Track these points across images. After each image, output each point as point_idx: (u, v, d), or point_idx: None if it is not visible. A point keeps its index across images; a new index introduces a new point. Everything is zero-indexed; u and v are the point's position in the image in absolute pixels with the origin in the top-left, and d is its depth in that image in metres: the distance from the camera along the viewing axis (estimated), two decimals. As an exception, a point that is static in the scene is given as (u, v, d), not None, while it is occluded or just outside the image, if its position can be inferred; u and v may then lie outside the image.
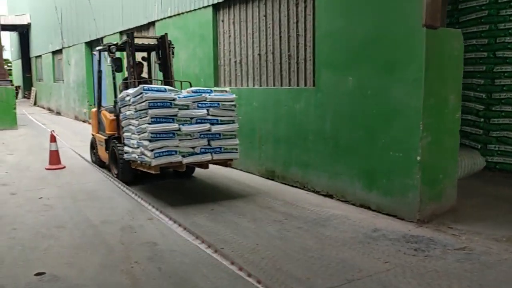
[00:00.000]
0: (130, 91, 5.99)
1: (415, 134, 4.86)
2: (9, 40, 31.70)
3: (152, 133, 5.38)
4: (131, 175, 6.70)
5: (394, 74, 5.06)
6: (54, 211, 5.58)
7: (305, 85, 6.59)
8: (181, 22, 9.44)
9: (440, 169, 5.12)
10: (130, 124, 6.03)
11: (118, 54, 7.53)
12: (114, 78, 7.40)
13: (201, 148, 5.69)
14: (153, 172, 5.62)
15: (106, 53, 7.56)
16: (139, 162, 5.91)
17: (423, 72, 4.75)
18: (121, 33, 13.11)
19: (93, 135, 8.42)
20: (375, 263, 3.90)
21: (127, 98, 6.03)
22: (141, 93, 5.54)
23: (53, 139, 8.43)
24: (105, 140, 7.46)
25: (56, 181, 7.29)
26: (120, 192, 6.46)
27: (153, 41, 7.73)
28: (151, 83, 7.35)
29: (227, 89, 6.13)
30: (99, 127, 7.97)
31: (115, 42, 7.30)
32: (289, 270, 3.77)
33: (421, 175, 4.86)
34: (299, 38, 6.65)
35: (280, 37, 6.98)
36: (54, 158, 8.33)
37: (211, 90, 5.98)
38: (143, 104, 5.49)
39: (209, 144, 5.74)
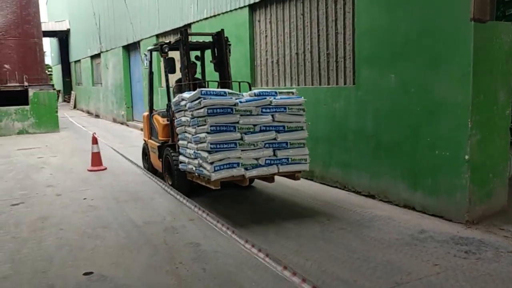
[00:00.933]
0: (186, 95, 5.40)
1: (463, 132, 4.68)
2: (49, 45, 32.86)
3: (211, 144, 4.81)
4: (187, 186, 6.07)
5: (439, 70, 4.89)
6: (98, 212, 5.70)
7: (345, 83, 6.48)
8: (217, 23, 9.48)
9: (490, 168, 4.92)
10: (185, 132, 5.50)
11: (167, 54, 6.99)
12: (167, 80, 6.71)
13: (266, 160, 5.04)
14: (212, 187, 5.02)
15: (147, 54, 7.30)
16: (196, 174, 5.35)
17: (471, 67, 4.57)
18: (157, 36, 13.32)
19: (145, 141, 7.91)
20: (424, 266, 3.78)
21: (183, 103, 5.46)
22: (199, 98, 4.95)
23: (94, 141, 8.63)
24: (158, 147, 6.90)
25: (99, 182, 7.45)
26: (161, 192, 6.54)
27: (207, 39, 7.11)
28: (206, 85, 6.70)
29: (294, 90, 5.39)
30: (151, 132, 7.44)
31: (167, 41, 6.74)
32: (335, 272, 3.70)
33: (469, 174, 4.68)
34: (338, 36, 6.54)
35: (319, 35, 6.89)
36: (96, 159, 8.53)
37: (275, 93, 5.21)
38: (201, 110, 4.90)
39: (274, 155, 5.08)
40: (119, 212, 5.66)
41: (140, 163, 8.48)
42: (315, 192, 6.38)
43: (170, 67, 6.54)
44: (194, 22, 10.69)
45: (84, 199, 6.34)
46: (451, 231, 4.56)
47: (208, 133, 4.84)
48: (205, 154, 4.92)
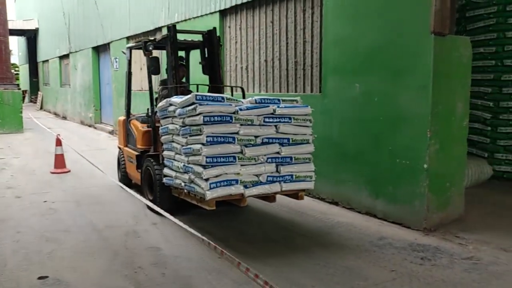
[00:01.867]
0: (176, 99, 4.71)
1: (422, 141, 4.82)
2: (17, 44, 31.97)
3: (207, 157, 4.17)
4: (171, 202, 5.31)
5: (401, 81, 5.03)
6: (58, 215, 5.57)
7: (311, 91, 6.57)
8: (188, 28, 9.46)
9: (448, 177, 5.07)
10: (173, 141, 4.82)
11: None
12: (150, 81, 5.95)
13: (268, 176, 4.44)
14: (206, 207, 4.35)
15: (126, 52, 6.61)
16: (185, 191, 4.68)
17: (431, 79, 4.72)
18: (128, 38, 13.17)
19: (120, 148, 7.11)
20: (381, 272, 3.86)
21: (171, 109, 4.78)
22: (194, 103, 4.28)
23: (58, 143, 8.45)
24: (137, 156, 6.17)
25: (61, 185, 7.29)
26: (125, 196, 6.45)
27: (196, 37, 6.48)
28: (197, 90, 5.90)
29: (298, 98, 4.80)
30: (128, 139, 6.70)
31: (152, 38, 6.00)
32: (294, 278, 3.73)
33: (428, 183, 4.81)
34: (306, 45, 6.64)
35: (287, 43, 6.98)
36: (60, 162, 8.34)
37: (279, 100, 4.60)
38: (196, 118, 4.24)
39: (277, 171, 4.49)
40: (80, 216, 5.55)
41: (106, 166, 8.33)
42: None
43: (154, 67, 5.75)
44: (164, 26, 10.63)
45: (45, 201, 6.19)
46: (409, 238, 4.67)
47: (203, 144, 4.19)
48: (199, 169, 4.25)
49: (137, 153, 6.19)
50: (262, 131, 4.41)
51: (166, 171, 5.02)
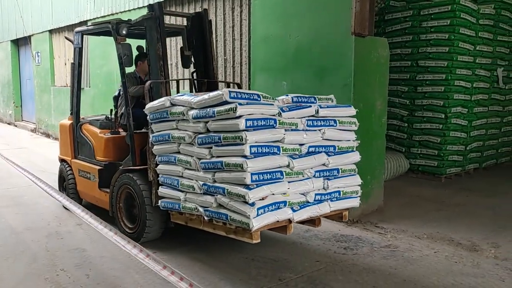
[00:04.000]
0: (186, 98, 3.66)
1: (345, 137, 5.04)
2: None
3: (254, 173, 3.23)
4: (161, 230, 4.37)
5: (325, 80, 5.24)
6: (-28, 219, 5.21)
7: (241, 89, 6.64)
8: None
9: (369, 171, 5.34)
10: (178, 152, 3.78)
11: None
12: (123, 74, 4.61)
13: (316, 194, 3.62)
14: (249, 240, 3.33)
15: (76, 38, 5.25)
16: (205, 219, 3.60)
17: (352, 78, 4.96)
18: (50, 31, 12.52)
19: (64, 161, 5.69)
20: (307, 262, 4.00)
21: (176, 110, 3.70)
22: (226, 103, 3.28)
23: (-28, 142, 7.85)
24: (101, 171, 4.90)
25: (-25, 186, 6.80)
26: (48, 196, 6.13)
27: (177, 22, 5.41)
28: (177, 88, 5.25)
29: (331, 96, 3.99)
30: (79, 149, 5.39)
31: (126, 19, 4.87)
32: (222, 272, 3.78)
33: (350, 176, 5.04)
34: (235, 42, 6.70)
35: (216, 40, 7.00)
36: (-26, 162, 7.77)
37: (315, 99, 3.81)
38: (235, 122, 3.23)
39: (323, 187, 3.70)
40: (-3, 219, 5.23)
41: (28, 166, 7.88)
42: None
43: (127, 56, 4.51)
44: (90, 20, 10.23)
45: (-44, 205, 5.76)
46: (333, 230, 4.89)
47: (245, 157, 3.24)
48: (239, 190, 3.24)
49: (100, 167, 4.91)
50: (307, 137, 3.58)
51: (164, 191, 3.94)
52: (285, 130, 3.44)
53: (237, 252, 4.21)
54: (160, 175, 4.00)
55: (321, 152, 3.66)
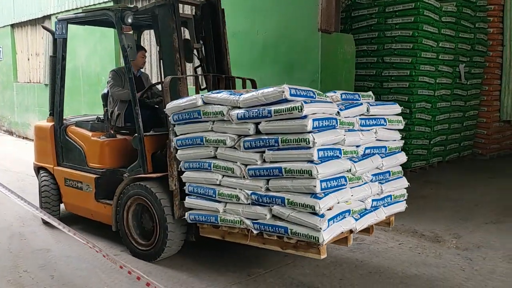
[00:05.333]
0: (230, 96, 3.21)
1: (312, 133, 5.10)
2: None
3: (323, 181, 2.93)
4: (180, 245, 3.91)
5: (294, 75, 5.29)
6: None
7: (209, 85, 6.62)
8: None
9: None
10: (214, 158, 3.35)
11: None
12: (129, 69, 4.02)
13: (373, 200, 3.37)
14: (316, 256, 3.06)
15: (59, 28, 4.58)
16: (253, 232, 3.21)
17: (319, 73, 5.03)
18: (12, 26, 12.12)
19: (42, 168, 4.94)
20: (275, 258, 4.03)
21: (216, 109, 3.27)
22: (286, 101, 2.94)
23: None
24: (97, 180, 4.35)
25: None
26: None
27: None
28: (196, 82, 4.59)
29: (370, 93, 3.67)
30: (64, 155, 4.73)
31: (131, 6, 4.36)
32: (192, 269, 3.77)
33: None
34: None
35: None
36: None
37: (359, 96, 3.52)
38: (296, 123, 2.92)
39: (377, 192, 3.46)
40: (-44, 220, 5.04)
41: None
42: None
43: (132, 49, 3.97)
44: (54, 14, 9.96)
45: None
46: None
47: (312, 162, 2.92)
48: (305, 199, 2.92)
49: (96, 176, 4.34)
50: (364, 138, 3.31)
51: (192, 202, 3.51)
52: (345, 131, 3.17)
53: (206, 249, 4.20)
54: (187, 184, 3.53)
55: (375, 154, 3.42)
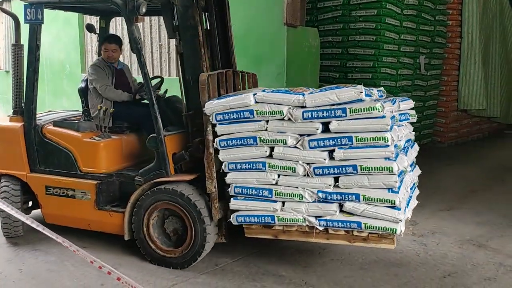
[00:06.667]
0: (290, 95, 3.20)
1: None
2: None
3: (398, 176, 3.13)
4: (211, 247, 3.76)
5: (261, 69, 5.38)
6: None
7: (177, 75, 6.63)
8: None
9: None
10: (269, 157, 3.32)
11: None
12: (144, 64, 3.69)
13: (410, 189, 3.58)
14: (390, 246, 3.27)
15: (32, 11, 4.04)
16: (319, 229, 3.30)
17: (285, 67, 5.16)
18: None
19: (7, 176, 4.25)
20: (243, 248, 4.16)
21: (273, 109, 3.22)
22: (360, 100, 3.02)
23: None
24: (99, 186, 3.92)
25: None
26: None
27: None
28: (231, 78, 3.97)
29: (382, 88, 3.58)
30: (42, 160, 4.13)
31: None
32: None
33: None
34: (170, 28, 6.64)
35: (151, 25, 6.91)
36: None
37: (383, 92, 3.51)
38: (376, 122, 3.02)
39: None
40: None
41: None
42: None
43: (139, 39, 3.63)
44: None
45: None
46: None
47: (389, 159, 3.07)
48: (384, 194, 3.09)
49: (98, 182, 3.92)
50: (404, 132, 3.49)
51: (240, 203, 3.46)
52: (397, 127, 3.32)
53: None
54: (232, 185, 3.45)
55: (409, 147, 3.61)
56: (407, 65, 7.66)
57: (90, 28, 4.53)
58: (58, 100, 8.43)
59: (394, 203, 3.05)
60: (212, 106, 3.38)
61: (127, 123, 4.22)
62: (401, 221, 3.06)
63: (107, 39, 4.41)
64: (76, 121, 4.22)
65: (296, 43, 5.23)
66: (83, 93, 4.42)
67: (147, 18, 6.85)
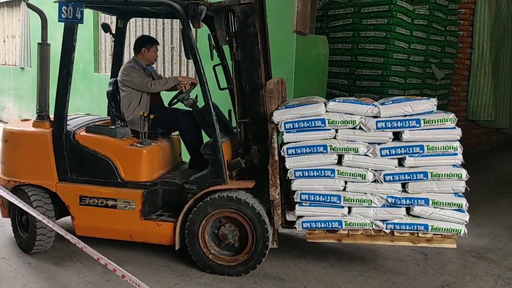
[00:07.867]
0: (363, 106, 3.43)
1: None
2: None
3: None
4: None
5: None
6: None
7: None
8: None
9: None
10: (337, 164, 3.51)
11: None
12: (202, 70, 3.62)
13: None
14: (452, 245, 3.66)
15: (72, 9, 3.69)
16: (386, 232, 3.57)
17: (294, 73, 5.23)
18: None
19: (27, 186, 3.90)
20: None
21: (345, 118, 3.44)
22: (431, 112, 3.42)
23: None
24: (146, 195, 3.75)
25: None
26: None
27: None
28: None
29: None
30: (75, 168, 3.85)
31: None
32: (159, 260, 3.97)
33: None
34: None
35: (163, 28, 7.02)
36: None
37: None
38: (447, 133, 3.40)
39: None
40: None
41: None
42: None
43: (191, 46, 3.60)
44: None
45: None
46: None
47: (456, 166, 3.49)
48: (452, 199, 3.47)
49: (144, 190, 3.74)
50: None
51: (306, 209, 3.59)
52: None
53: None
54: (298, 192, 3.57)
55: None
56: (416, 75, 7.69)
57: (105, 27, 4.35)
58: (71, 100, 8.50)
59: (461, 206, 3.40)
60: (281, 115, 3.49)
61: (160, 128, 4.13)
62: (467, 222, 3.41)
63: (155, 41, 4.32)
64: (112, 127, 3.97)
65: (305, 50, 5.31)
66: (113, 96, 4.23)
67: (159, 21, 6.98)
